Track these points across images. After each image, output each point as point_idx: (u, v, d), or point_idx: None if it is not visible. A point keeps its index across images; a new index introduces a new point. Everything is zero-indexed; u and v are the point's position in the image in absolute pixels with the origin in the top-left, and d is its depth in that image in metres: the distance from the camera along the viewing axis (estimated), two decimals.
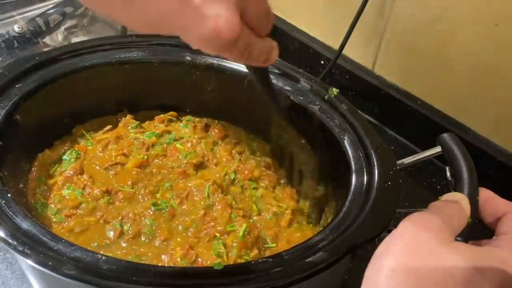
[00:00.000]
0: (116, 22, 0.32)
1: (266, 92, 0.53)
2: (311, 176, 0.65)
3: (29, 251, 0.41)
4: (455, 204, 0.41)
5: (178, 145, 0.67)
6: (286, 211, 0.62)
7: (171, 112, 0.72)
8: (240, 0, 0.34)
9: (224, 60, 0.67)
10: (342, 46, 0.89)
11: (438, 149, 0.53)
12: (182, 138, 0.69)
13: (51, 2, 1.04)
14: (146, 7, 0.33)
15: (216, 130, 0.72)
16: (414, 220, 0.37)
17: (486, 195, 0.44)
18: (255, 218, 0.60)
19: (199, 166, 0.65)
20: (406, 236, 0.36)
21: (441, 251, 0.34)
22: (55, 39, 1.01)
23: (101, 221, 0.56)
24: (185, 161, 0.64)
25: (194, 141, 0.68)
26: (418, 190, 0.82)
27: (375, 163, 0.54)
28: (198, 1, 0.32)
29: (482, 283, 0.33)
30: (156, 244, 0.55)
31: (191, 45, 0.35)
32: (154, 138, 0.67)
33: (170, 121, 0.71)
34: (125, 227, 0.56)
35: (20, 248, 0.41)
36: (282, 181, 0.67)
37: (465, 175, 0.47)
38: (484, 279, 0.33)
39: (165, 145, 0.67)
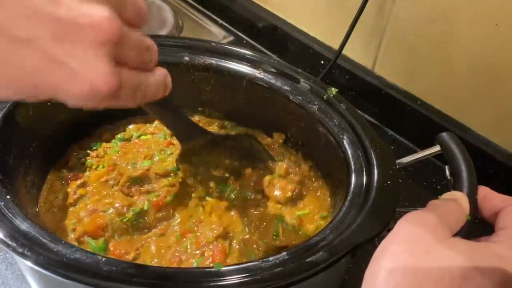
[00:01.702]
0: None
1: (167, 122, 0.52)
2: None
3: (28, 253, 0.41)
4: (453, 202, 0.41)
5: None
6: None
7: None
8: (110, 48, 0.30)
9: (223, 61, 0.67)
10: (342, 46, 0.89)
11: (437, 148, 0.53)
12: None
13: None
14: (5, 66, 0.29)
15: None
16: (410, 219, 0.37)
17: (484, 191, 0.44)
18: None
19: None
20: (403, 235, 0.36)
21: (437, 248, 0.34)
22: None
23: None
24: None
25: None
26: (417, 189, 0.82)
27: (375, 162, 0.54)
28: (63, 55, 0.29)
29: (480, 278, 0.33)
30: None
31: (68, 105, 0.32)
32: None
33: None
34: None
35: (20, 250, 0.41)
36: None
37: (464, 173, 0.47)
38: (481, 274, 0.33)
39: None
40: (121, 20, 0.31)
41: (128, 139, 0.69)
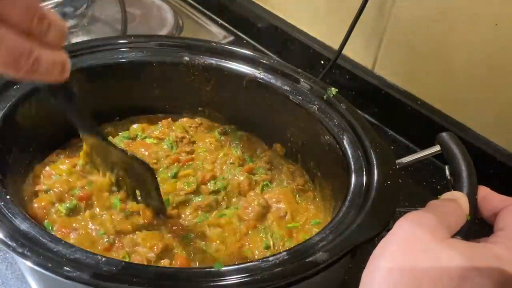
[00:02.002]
0: None
1: (71, 111, 0.49)
2: None
3: (28, 253, 0.41)
4: (453, 202, 0.41)
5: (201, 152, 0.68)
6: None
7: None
8: None
9: (223, 61, 0.67)
10: (342, 46, 0.89)
11: (437, 148, 0.53)
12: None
13: (51, 2, 1.04)
14: None
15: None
16: (410, 219, 0.37)
17: (484, 192, 0.44)
18: None
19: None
20: (401, 236, 0.36)
21: (436, 249, 0.34)
22: None
23: None
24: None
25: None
26: (418, 189, 0.82)
27: (375, 162, 0.54)
28: None
29: (478, 279, 0.33)
30: None
31: None
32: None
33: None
34: None
35: (20, 250, 0.41)
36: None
37: (464, 173, 0.47)
38: (479, 275, 0.33)
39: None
40: None
41: (133, 138, 0.69)
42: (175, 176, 0.64)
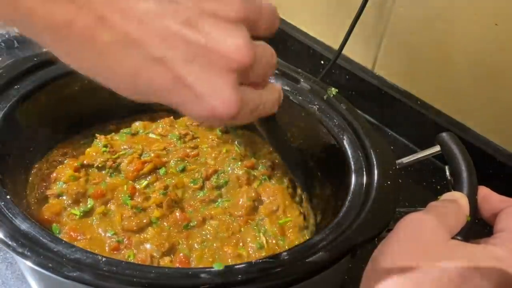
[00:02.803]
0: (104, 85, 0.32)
1: (273, 141, 0.50)
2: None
3: (28, 253, 0.41)
4: (453, 203, 0.41)
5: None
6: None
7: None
8: (240, 74, 0.31)
9: None
10: (342, 46, 0.89)
11: (437, 148, 0.53)
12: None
13: None
14: (136, 77, 0.30)
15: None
16: (410, 220, 0.37)
17: (483, 192, 0.44)
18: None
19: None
20: (402, 236, 0.36)
21: (436, 250, 0.35)
22: None
23: None
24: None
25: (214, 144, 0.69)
26: (418, 190, 0.82)
27: (375, 162, 0.54)
28: (191, 78, 0.30)
29: (478, 280, 0.33)
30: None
31: (194, 120, 0.33)
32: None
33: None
34: None
35: (20, 250, 0.41)
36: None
37: (464, 174, 0.47)
38: (480, 276, 0.33)
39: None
40: (254, 38, 0.32)
41: (135, 134, 0.69)
42: (183, 170, 0.64)
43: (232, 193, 0.63)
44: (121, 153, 0.63)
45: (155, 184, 0.61)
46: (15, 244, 0.41)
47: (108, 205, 0.58)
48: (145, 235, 0.55)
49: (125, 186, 0.59)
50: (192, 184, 0.62)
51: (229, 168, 0.65)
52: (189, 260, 0.55)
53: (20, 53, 0.94)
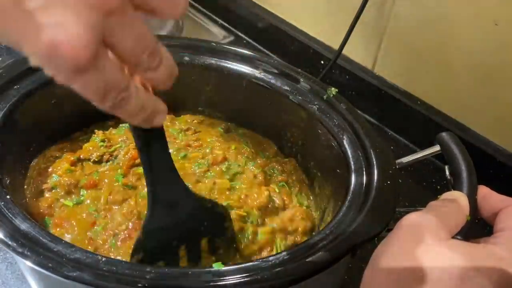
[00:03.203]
0: None
1: (148, 167, 0.42)
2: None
3: (28, 253, 0.41)
4: (453, 202, 0.41)
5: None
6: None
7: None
8: (99, 16, 0.25)
9: (223, 61, 0.67)
10: (342, 46, 0.89)
11: (437, 148, 0.53)
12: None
13: None
14: None
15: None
16: (409, 220, 0.37)
17: (483, 191, 0.44)
18: None
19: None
20: (402, 236, 0.36)
21: (436, 249, 0.35)
22: None
23: None
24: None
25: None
26: (417, 190, 0.82)
27: (375, 162, 0.54)
28: (34, 3, 0.24)
29: (478, 279, 0.33)
30: None
31: (31, 63, 0.27)
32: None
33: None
34: None
35: (20, 250, 0.41)
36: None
37: (464, 173, 0.47)
38: (480, 275, 0.33)
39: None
40: None
41: None
42: (184, 157, 0.64)
43: (246, 188, 0.61)
44: (117, 145, 0.63)
45: None
46: (15, 244, 0.41)
47: (100, 190, 0.58)
48: (124, 206, 0.55)
49: (120, 169, 0.59)
50: (196, 168, 0.61)
51: (244, 164, 0.64)
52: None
53: (20, 53, 0.94)
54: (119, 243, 0.53)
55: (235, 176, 0.62)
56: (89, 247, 0.53)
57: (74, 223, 0.55)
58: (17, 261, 0.61)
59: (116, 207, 0.56)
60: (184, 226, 0.49)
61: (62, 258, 0.41)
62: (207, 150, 0.65)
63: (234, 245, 0.55)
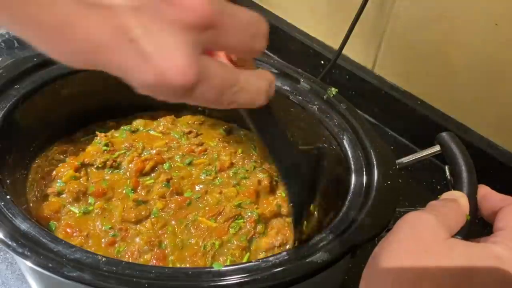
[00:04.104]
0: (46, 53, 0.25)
1: (264, 137, 0.43)
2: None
3: (28, 253, 0.41)
4: (453, 202, 0.41)
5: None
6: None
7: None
8: (197, 34, 0.26)
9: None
10: (342, 46, 0.89)
11: (437, 148, 0.53)
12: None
13: None
14: (68, 29, 0.24)
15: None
16: (409, 220, 0.37)
17: (483, 191, 0.44)
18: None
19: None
20: (402, 235, 0.36)
21: (436, 248, 0.34)
22: None
23: None
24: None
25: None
26: (418, 189, 0.82)
27: (375, 162, 0.54)
28: (137, 31, 0.24)
29: (478, 279, 0.33)
30: None
31: (138, 91, 0.27)
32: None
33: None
34: None
35: (20, 250, 0.41)
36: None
37: (464, 173, 0.47)
38: (480, 275, 0.33)
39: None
40: None
41: (135, 131, 0.69)
42: (190, 164, 0.64)
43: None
44: (121, 152, 0.63)
45: (159, 178, 0.61)
46: (15, 244, 0.41)
47: (110, 201, 0.58)
48: (141, 228, 0.55)
49: (129, 180, 0.59)
50: (204, 176, 0.62)
51: (251, 170, 0.64)
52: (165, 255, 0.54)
53: (20, 53, 0.94)
54: None
55: (241, 180, 0.63)
56: None
57: (86, 234, 0.55)
58: (17, 261, 0.61)
59: (133, 226, 0.56)
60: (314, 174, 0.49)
61: (62, 258, 0.41)
62: (214, 155, 0.65)
63: None
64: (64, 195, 0.58)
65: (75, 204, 0.57)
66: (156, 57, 0.25)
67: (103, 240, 0.54)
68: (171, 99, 0.27)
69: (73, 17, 0.24)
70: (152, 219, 0.56)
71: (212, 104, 0.29)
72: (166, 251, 0.54)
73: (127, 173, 0.61)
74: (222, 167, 0.63)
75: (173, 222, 0.57)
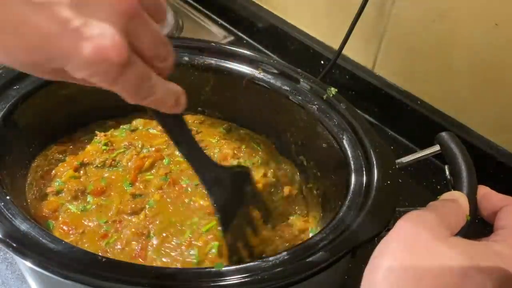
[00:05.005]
0: None
1: (182, 149, 0.46)
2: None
3: (28, 253, 0.41)
4: (453, 202, 0.41)
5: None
6: None
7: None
8: (126, 22, 0.31)
9: (223, 61, 0.67)
10: (342, 46, 0.89)
11: (436, 148, 0.53)
12: None
13: None
14: (22, 27, 0.29)
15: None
16: (410, 219, 0.37)
17: (483, 191, 0.44)
18: None
19: None
20: (402, 235, 0.36)
21: (437, 247, 0.34)
22: None
23: None
24: None
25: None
26: (418, 189, 0.82)
27: (374, 162, 0.54)
28: (78, 21, 0.29)
29: (479, 277, 0.33)
30: None
31: (76, 76, 0.31)
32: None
33: None
34: None
35: (20, 250, 0.41)
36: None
37: (464, 173, 0.47)
38: (480, 273, 0.33)
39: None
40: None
41: (135, 130, 0.69)
42: None
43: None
44: (120, 151, 0.63)
45: (159, 172, 0.61)
46: (15, 244, 0.41)
47: (108, 197, 0.59)
48: (135, 219, 0.56)
49: (128, 175, 0.60)
50: None
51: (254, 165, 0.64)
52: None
53: None
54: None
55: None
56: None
57: (82, 231, 0.55)
58: (17, 261, 0.61)
59: (127, 217, 0.56)
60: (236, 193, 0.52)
61: (62, 258, 0.41)
62: (216, 150, 0.65)
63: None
64: (63, 194, 0.58)
65: (74, 203, 0.57)
66: (96, 38, 0.30)
67: (97, 235, 0.55)
68: (102, 83, 0.32)
69: (23, 16, 0.28)
70: (147, 211, 0.56)
71: (131, 93, 0.34)
72: (152, 240, 0.54)
73: (127, 170, 0.61)
74: (224, 158, 0.63)
75: (170, 207, 0.57)
